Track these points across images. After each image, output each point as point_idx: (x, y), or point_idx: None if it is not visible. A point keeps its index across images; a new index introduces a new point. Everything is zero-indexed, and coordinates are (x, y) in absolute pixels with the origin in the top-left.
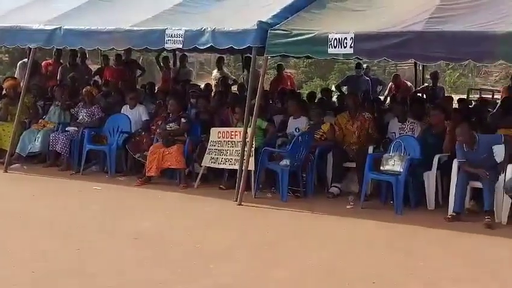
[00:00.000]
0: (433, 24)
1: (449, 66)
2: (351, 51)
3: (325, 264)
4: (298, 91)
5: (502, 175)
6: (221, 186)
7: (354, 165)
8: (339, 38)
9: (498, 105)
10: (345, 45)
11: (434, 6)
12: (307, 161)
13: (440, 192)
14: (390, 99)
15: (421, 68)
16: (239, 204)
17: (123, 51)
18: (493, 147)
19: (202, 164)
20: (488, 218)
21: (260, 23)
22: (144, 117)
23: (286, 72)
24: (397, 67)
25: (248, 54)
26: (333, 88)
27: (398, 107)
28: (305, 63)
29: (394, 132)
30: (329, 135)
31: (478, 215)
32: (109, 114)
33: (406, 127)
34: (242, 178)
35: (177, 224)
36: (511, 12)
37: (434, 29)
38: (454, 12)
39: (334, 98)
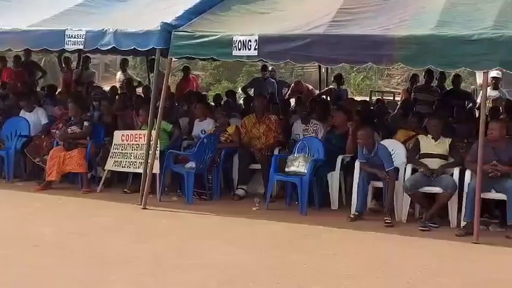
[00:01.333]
0: (334, 27)
1: (354, 69)
2: (255, 53)
3: (231, 265)
4: (204, 93)
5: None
6: (125, 190)
7: (259, 167)
8: (243, 40)
9: (398, 106)
10: (249, 47)
11: (336, 10)
12: (213, 163)
13: (344, 192)
14: (295, 101)
15: (324, 71)
16: (144, 208)
17: (22, 52)
18: (394, 150)
19: (105, 168)
20: (388, 218)
21: (163, 24)
22: (44, 120)
23: (191, 74)
24: (304, 69)
25: (153, 56)
26: (239, 91)
27: (302, 109)
28: (213, 65)
29: (299, 134)
30: (234, 137)
31: (379, 214)
32: (7, 117)
33: (309, 128)
34: (146, 181)
35: (79, 230)
36: (408, 17)
37: (336, 32)
38: (355, 16)
39: (241, 101)
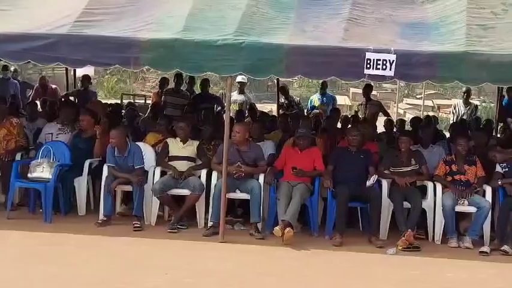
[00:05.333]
0: (79, 27)
1: (108, 71)
2: None
3: None
4: None
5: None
6: None
7: None
8: None
9: (149, 110)
10: None
11: (80, 10)
12: None
13: (92, 198)
14: (41, 103)
15: (72, 73)
16: None
17: None
18: (144, 154)
19: None
20: (137, 222)
21: None
22: None
23: None
24: (54, 71)
25: None
26: None
27: (49, 111)
28: None
29: (45, 138)
30: None
31: (129, 218)
32: None
33: (56, 132)
34: None
35: None
36: (155, 20)
37: (80, 33)
38: (100, 17)
39: None
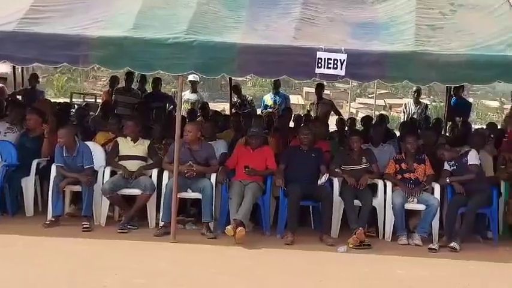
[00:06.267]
0: (25, 25)
1: (58, 70)
2: None
3: None
4: None
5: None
6: None
7: None
8: None
9: (99, 109)
10: None
11: (28, 7)
12: None
13: (40, 198)
14: None
15: (20, 71)
16: None
17: None
18: (93, 153)
19: None
20: (86, 222)
21: None
22: None
23: None
24: None
25: None
26: None
27: None
28: None
29: None
30: None
31: (78, 219)
32: None
33: (2, 132)
34: None
35: None
36: (104, 18)
37: (27, 30)
38: (48, 14)
39: None
